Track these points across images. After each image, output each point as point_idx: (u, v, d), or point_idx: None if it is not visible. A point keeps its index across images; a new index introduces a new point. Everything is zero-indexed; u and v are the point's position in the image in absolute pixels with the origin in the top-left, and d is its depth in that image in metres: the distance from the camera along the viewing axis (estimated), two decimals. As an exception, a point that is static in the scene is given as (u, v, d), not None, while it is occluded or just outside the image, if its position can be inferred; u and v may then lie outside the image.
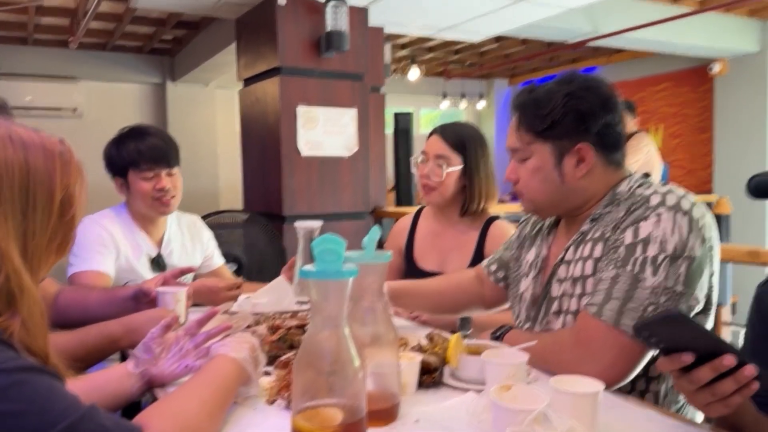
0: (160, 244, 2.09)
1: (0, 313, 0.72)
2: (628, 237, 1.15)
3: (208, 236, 2.28)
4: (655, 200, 1.16)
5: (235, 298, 1.85)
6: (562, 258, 1.30)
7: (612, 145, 1.25)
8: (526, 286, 1.40)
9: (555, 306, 1.30)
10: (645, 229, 1.14)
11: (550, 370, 1.16)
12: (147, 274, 1.99)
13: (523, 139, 1.26)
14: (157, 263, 2.04)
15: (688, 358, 0.83)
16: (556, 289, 1.30)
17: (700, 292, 1.15)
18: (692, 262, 1.12)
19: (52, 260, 0.81)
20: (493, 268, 1.57)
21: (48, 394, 0.67)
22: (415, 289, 1.63)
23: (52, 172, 0.78)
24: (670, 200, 1.15)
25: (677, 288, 1.11)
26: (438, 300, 1.63)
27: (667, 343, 0.85)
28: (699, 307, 1.17)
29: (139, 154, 1.95)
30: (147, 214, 2.04)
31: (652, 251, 1.12)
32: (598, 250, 1.22)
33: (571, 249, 1.28)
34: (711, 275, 1.18)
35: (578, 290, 1.24)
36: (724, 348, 0.82)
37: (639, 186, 1.24)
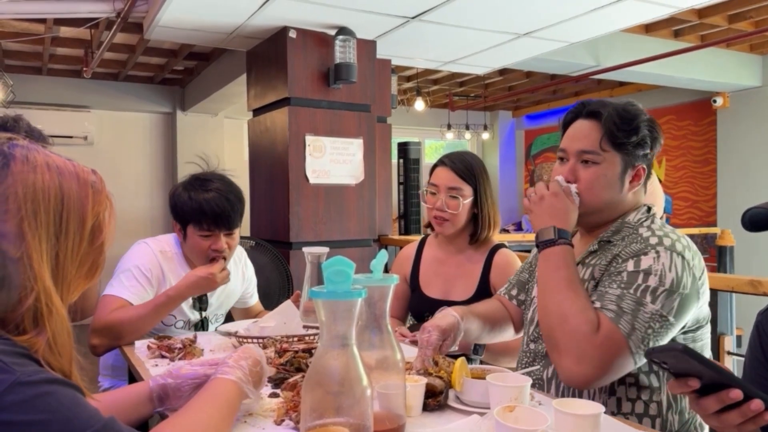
0: None
1: (26, 330, 0.75)
2: (629, 266, 1.23)
3: (250, 273, 2.23)
4: (653, 240, 1.26)
5: (227, 278, 1.87)
6: None
7: (645, 175, 1.37)
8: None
9: None
10: (645, 262, 1.22)
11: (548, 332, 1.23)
12: (188, 309, 2.00)
13: (601, 144, 1.32)
14: (199, 300, 2.03)
15: (694, 383, 0.85)
16: None
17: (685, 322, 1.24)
18: (683, 298, 1.21)
19: (82, 285, 0.84)
20: (514, 292, 1.64)
21: (72, 404, 0.70)
22: (473, 312, 1.57)
23: (84, 200, 0.82)
24: (667, 242, 1.25)
25: (670, 318, 1.19)
26: (491, 322, 1.61)
27: (676, 369, 0.87)
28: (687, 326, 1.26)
29: (202, 214, 1.86)
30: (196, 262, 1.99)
31: (652, 282, 1.20)
32: (593, 283, 1.31)
33: (579, 266, 1.35)
34: (698, 307, 1.26)
35: None
36: (731, 381, 0.83)
37: (644, 221, 1.34)
